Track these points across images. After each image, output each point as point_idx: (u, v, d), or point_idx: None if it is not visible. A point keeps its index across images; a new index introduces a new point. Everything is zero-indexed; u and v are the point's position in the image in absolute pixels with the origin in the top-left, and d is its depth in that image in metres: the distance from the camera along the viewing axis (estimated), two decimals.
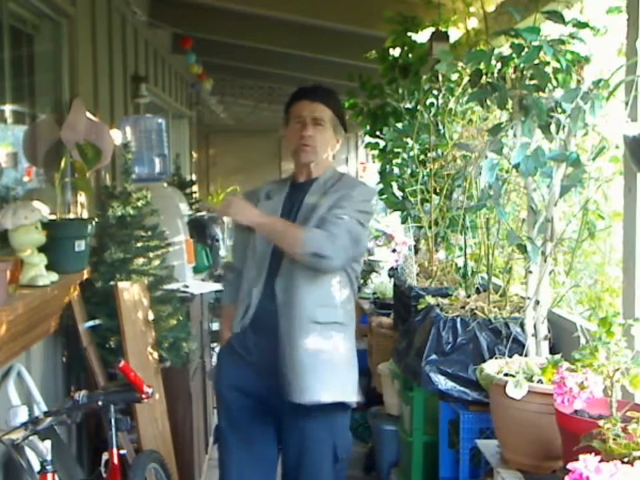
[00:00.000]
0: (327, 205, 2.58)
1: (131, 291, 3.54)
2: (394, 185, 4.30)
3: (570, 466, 1.46)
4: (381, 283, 5.28)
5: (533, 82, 2.40)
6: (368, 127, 4.55)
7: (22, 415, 2.59)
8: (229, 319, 2.75)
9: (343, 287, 2.63)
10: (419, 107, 4.05)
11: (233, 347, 2.70)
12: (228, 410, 2.71)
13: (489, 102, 2.56)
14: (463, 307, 3.11)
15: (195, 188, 7.32)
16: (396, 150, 4.27)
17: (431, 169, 3.99)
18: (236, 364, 2.69)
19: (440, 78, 3.84)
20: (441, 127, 3.98)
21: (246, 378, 2.66)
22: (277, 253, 2.61)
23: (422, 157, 4.10)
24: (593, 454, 1.47)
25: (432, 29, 3.94)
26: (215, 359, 2.87)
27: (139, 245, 3.74)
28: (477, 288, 3.42)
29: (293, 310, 2.56)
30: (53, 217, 3.26)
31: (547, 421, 2.01)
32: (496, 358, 2.47)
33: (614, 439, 1.66)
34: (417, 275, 3.89)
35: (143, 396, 2.60)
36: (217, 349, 2.88)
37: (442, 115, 3.94)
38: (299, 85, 2.83)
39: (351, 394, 2.61)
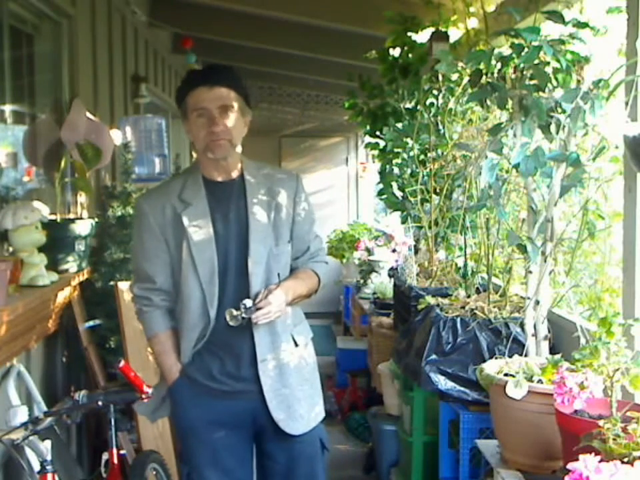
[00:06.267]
0: (284, 211, 2.38)
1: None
2: (394, 184, 4.30)
3: (570, 466, 1.46)
4: (381, 283, 5.29)
5: (533, 82, 2.40)
6: (368, 127, 4.55)
7: (22, 415, 2.59)
8: (173, 350, 2.39)
9: None
10: (418, 107, 4.04)
11: (189, 378, 2.38)
12: (205, 446, 2.38)
13: (489, 102, 2.55)
14: (463, 307, 3.11)
15: None
16: (396, 150, 4.27)
17: (431, 169, 3.99)
18: (200, 396, 2.37)
19: (440, 78, 3.84)
20: (440, 126, 3.98)
21: (216, 409, 2.37)
22: (227, 268, 2.32)
23: (422, 156, 4.10)
24: (593, 454, 1.47)
25: (432, 29, 3.94)
26: (158, 395, 2.48)
27: None
28: (477, 288, 3.42)
29: (274, 337, 2.35)
30: (53, 217, 3.26)
31: (547, 421, 2.00)
32: (496, 358, 2.47)
33: (614, 439, 1.66)
34: (417, 275, 3.89)
35: (143, 396, 2.60)
36: (161, 384, 2.49)
37: (442, 115, 3.94)
38: (189, 71, 2.45)
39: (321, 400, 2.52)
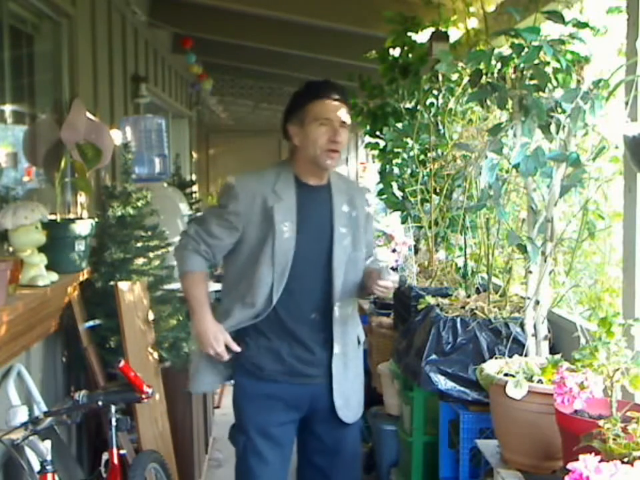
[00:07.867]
0: (360, 221, 2.64)
1: (131, 291, 3.54)
2: (394, 184, 4.30)
3: (570, 466, 1.46)
4: None
5: (533, 82, 2.40)
6: (368, 127, 4.55)
7: (22, 415, 2.59)
8: (204, 283, 2.61)
9: None
10: (419, 107, 4.04)
11: (255, 366, 2.59)
12: (263, 420, 2.59)
13: (489, 102, 2.55)
14: (463, 307, 3.11)
15: (194, 188, 7.32)
16: (396, 150, 4.27)
17: (431, 169, 3.99)
18: (260, 375, 2.59)
19: (440, 78, 3.84)
20: (440, 126, 3.98)
21: (278, 386, 2.58)
22: (298, 264, 2.51)
23: (422, 156, 4.10)
24: (593, 454, 1.47)
25: (432, 29, 3.95)
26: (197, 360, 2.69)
27: (139, 245, 3.75)
28: (477, 288, 3.41)
29: (345, 334, 2.62)
30: (53, 217, 3.26)
31: (547, 421, 2.00)
32: (496, 358, 2.47)
33: (614, 439, 1.66)
34: (417, 274, 3.89)
35: (143, 396, 2.60)
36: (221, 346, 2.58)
37: (442, 115, 3.94)
38: (307, 81, 2.62)
39: None
